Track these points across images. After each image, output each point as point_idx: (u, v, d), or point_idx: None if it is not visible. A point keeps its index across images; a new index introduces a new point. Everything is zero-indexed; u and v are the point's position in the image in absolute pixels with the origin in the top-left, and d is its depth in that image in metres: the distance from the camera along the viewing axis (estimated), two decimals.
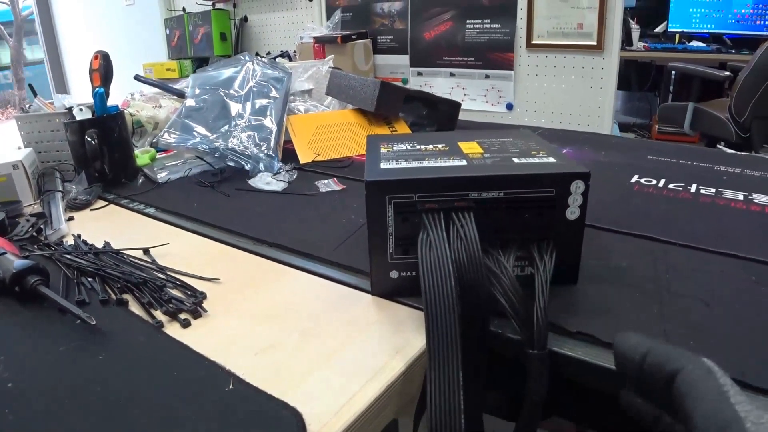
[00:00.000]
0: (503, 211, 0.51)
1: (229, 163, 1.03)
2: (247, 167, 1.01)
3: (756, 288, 0.57)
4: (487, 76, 2.19)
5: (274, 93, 1.15)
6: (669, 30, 3.51)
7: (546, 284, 0.47)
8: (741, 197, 0.83)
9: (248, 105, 1.11)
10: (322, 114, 1.24)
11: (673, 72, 3.51)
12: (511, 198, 0.51)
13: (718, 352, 0.46)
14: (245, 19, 2.88)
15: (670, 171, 0.95)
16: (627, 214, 0.76)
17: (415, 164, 0.54)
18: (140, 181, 0.99)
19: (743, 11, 3.29)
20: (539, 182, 0.51)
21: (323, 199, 0.86)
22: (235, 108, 1.10)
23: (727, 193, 0.84)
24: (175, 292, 0.58)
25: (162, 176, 1.00)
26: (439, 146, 0.61)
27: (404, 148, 0.61)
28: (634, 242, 0.68)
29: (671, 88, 3.62)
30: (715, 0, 3.35)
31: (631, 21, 3.34)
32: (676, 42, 3.48)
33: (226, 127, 1.06)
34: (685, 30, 3.46)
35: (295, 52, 2.53)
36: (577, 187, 0.51)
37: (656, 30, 3.63)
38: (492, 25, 2.11)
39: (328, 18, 2.49)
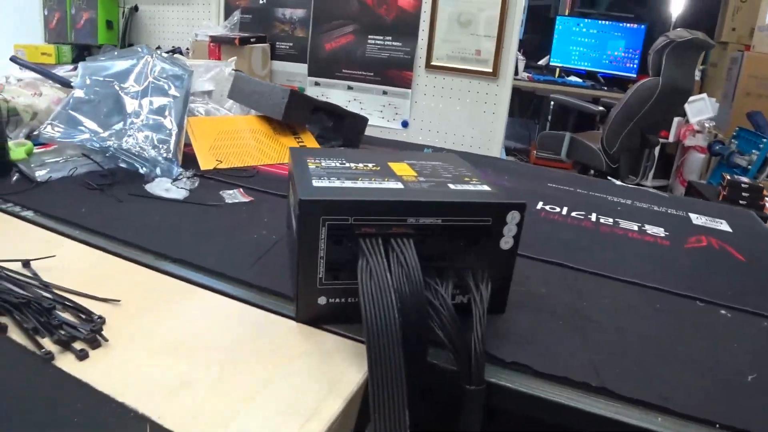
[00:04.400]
0: (439, 238, 0.50)
1: (121, 165, 0.93)
2: (143, 171, 0.92)
3: (661, 315, 0.61)
4: (384, 93, 2.20)
5: (173, 91, 1.06)
6: (551, 64, 3.77)
7: (483, 316, 0.46)
8: (636, 228, 0.88)
9: (145, 102, 1.02)
10: (226, 118, 1.17)
11: (552, 102, 3.76)
12: (449, 225, 0.49)
13: (642, 379, 0.48)
14: (135, 8, 2.67)
15: (570, 199, 1.00)
16: (537, 241, 0.78)
17: (349, 184, 0.51)
18: (14, 178, 0.87)
19: (616, 53, 3.61)
20: (478, 211, 0.50)
21: (229, 211, 0.80)
22: (130, 104, 1.00)
23: (624, 224, 0.90)
24: (66, 316, 0.50)
25: (41, 174, 0.88)
26: (370, 165, 0.58)
27: (334, 164, 0.57)
28: (548, 269, 0.70)
29: (550, 117, 3.89)
30: (592, 41, 3.65)
31: (518, 52, 3.54)
32: (557, 75, 3.75)
33: (121, 124, 0.96)
34: (565, 65, 3.74)
35: (188, 49, 2.39)
36: (513, 217, 0.51)
37: (539, 62, 3.88)
38: (393, 43, 2.13)
39: (226, 18, 2.38)
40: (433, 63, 2.08)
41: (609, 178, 2.77)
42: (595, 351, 0.52)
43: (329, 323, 0.51)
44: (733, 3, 3.70)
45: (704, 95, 3.35)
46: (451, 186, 0.53)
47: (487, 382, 0.46)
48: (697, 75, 3.53)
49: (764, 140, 2.77)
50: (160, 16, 2.65)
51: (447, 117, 2.12)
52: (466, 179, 0.56)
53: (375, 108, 2.23)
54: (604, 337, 0.55)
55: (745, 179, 2.25)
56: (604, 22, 3.67)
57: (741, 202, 2.16)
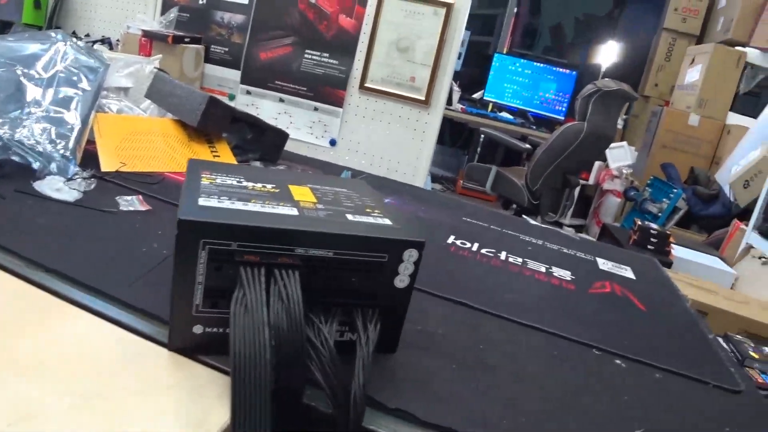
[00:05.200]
0: (329, 271, 0.47)
1: (12, 157, 0.85)
2: (35, 166, 0.84)
3: (558, 363, 0.60)
4: (316, 109, 2.17)
5: (84, 84, 0.99)
6: (484, 98, 3.87)
7: (368, 358, 0.44)
8: (543, 269, 0.89)
9: (50, 92, 0.94)
10: (137, 118, 1.10)
11: (483, 136, 3.86)
12: (341, 259, 0.47)
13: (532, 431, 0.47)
14: None
15: (483, 236, 1.00)
16: (443, 277, 0.76)
17: (239, 205, 0.48)
18: None
19: (547, 95, 3.76)
20: (372, 246, 0.47)
21: (123, 220, 0.75)
22: (32, 92, 0.92)
23: (532, 264, 0.90)
24: None
25: None
26: (269, 187, 0.55)
27: (229, 182, 0.54)
28: (450, 307, 0.69)
29: (479, 149, 3.98)
30: (526, 81, 3.78)
31: (454, 83, 3.61)
32: (489, 110, 3.85)
33: (18, 112, 0.88)
34: (498, 101, 3.85)
35: (117, 41, 2.28)
36: (410, 255, 0.49)
37: (474, 95, 3.98)
38: (330, 60, 2.11)
39: (162, 13, 2.29)
40: (367, 84, 2.07)
41: (525, 216, 2.86)
42: (488, 400, 0.50)
43: (204, 354, 0.47)
44: (658, 61, 3.95)
45: (624, 143, 3.52)
46: (350, 217, 0.51)
47: (365, 429, 0.43)
48: (620, 123, 3.73)
49: (674, 191, 2.93)
50: (94, 2, 2.52)
51: (375, 140, 2.11)
52: (368, 210, 0.54)
53: (304, 123, 2.19)
54: (498, 384, 0.53)
55: (654, 225, 2.36)
56: (538, 64, 3.81)
57: (649, 246, 2.27)
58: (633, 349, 0.67)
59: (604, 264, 1.01)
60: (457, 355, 0.57)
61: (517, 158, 3.59)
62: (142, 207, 0.79)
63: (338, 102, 2.12)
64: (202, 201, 0.47)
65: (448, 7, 1.94)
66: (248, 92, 2.24)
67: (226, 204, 0.47)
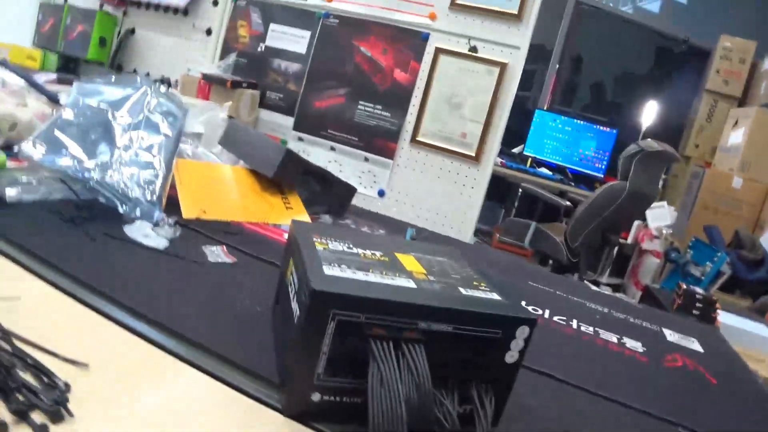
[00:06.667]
0: (447, 345, 0.48)
1: (99, 199, 0.88)
2: (122, 209, 0.87)
3: None
4: (366, 159, 2.21)
5: (166, 129, 1.03)
6: (524, 153, 3.90)
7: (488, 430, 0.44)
8: (615, 340, 0.88)
9: (136, 136, 0.98)
10: (214, 165, 1.14)
11: (521, 190, 3.87)
12: (458, 334, 0.47)
13: None
14: (132, 31, 2.66)
15: (552, 302, 0.99)
16: None
17: (361, 276, 0.49)
18: None
19: (586, 153, 3.77)
20: (490, 322, 0.48)
21: (212, 271, 0.76)
22: (121, 136, 0.96)
23: (604, 334, 0.89)
24: (26, 377, 0.45)
25: (12, 194, 0.81)
26: (378, 254, 0.56)
27: (341, 249, 0.55)
28: (535, 378, 0.68)
29: (516, 203, 3.98)
30: (566, 138, 3.81)
31: None
32: (528, 165, 3.86)
33: (107, 156, 0.92)
34: (537, 156, 3.87)
35: (176, 81, 2.37)
36: (522, 331, 0.49)
37: (513, 150, 4.01)
38: (383, 113, 2.16)
39: (222, 57, 2.39)
40: (418, 138, 2.11)
41: (565, 274, 2.83)
42: None
43: (321, 421, 0.48)
44: (699, 122, 3.94)
45: (665, 203, 3.49)
46: (462, 291, 0.52)
47: None
48: (660, 184, 3.70)
49: (718, 254, 2.88)
50: (155, 43, 2.64)
51: (424, 192, 2.13)
52: (475, 283, 0.55)
53: (354, 172, 2.23)
54: None
55: (699, 290, 2.31)
56: (579, 121, 3.84)
57: (694, 311, 2.22)
58: (713, 425, 0.66)
59: (671, 335, 0.99)
60: (551, 428, 0.57)
61: (554, 214, 3.57)
62: (228, 258, 0.81)
63: (389, 153, 2.16)
64: (327, 270, 0.48)
65: (502, 66, 1.98)
66: (300, 138, 2.30)
67: (349, 274, 0.48)
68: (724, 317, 2.24)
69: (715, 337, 1.10)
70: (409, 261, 0.56)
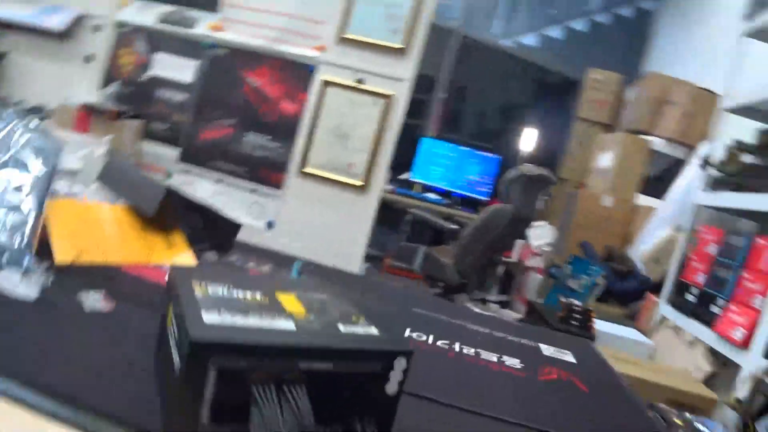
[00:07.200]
0: (329, 382, 0.50)
1: None
2: None
3: None
4: (254, 190, 2.19)
5: (37, 167, 0.96)
6: (411, 179, 4.04)
7: None
8: (495, 359, 0.94)
9: (4, 175, 0.92)
10: (90, 204, 1.09)
11: (409, 215, 4.00)
12: (338, 371, 0.50)
13: None
14: (2, 56, 2.45)
15: (435, 327, 1.04)
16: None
17: (240, 320, 0.50)
18: None
19: (471, 177, 3.97)
20: (367, 357, 0.51)
21: (89, 322, 0.73)
22: None
23: (484, 354, 0.95)
24: None
25: None
26: (258, 296, 0.57)
27: (221, 293, 0.56)
28: (417, 404, 0.71)
29: (408, 229, 4.10)
30: (452, 164, 3.99)
31: None
32: (417, 190, 4.01)
33: None
34: (424, 182, 4.02)
35: (53, 110, 2.22)
36: (400, 363, 0.52)
37: (401, 176, 4.15)
38: (271, 143, 2.16)
39: (104, 86, 2.27)
40: (306, 170, 2.12)
41: (453, 294, 2.95)
42: None
43: None
44: (573, 147, 4.30)
45: (545, 223, 3.75)
46: (341, 327, 0.54)
47: None
48: (540, 204, 3.97)
49: (594, 267, 3.13)
50: (29, 68, 2.45)
51: (312, 224, 2.13)
52: (354, 319, 0.57)
53: (242, 204, 2.21)
54: None
55: (577, 302, 2.51)
56: (463, 148, 4.04)
57: (573, 322, 2.40)
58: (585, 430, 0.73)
59: (546, 349, 1.07)
60: None
61: (444, 238, 3.72)
62: (106, 305, 0.78)
63: (277, 185, 2.15)
64: (206, 317, 0.49)
65: (388, 98, 2.06)
66: (186, 171, 2.24)
67: (228, 320, 0.49)
68: (600, 325, 2.44)
69: (588, 348, 1.19)
70: (289, 300, 0.58)
